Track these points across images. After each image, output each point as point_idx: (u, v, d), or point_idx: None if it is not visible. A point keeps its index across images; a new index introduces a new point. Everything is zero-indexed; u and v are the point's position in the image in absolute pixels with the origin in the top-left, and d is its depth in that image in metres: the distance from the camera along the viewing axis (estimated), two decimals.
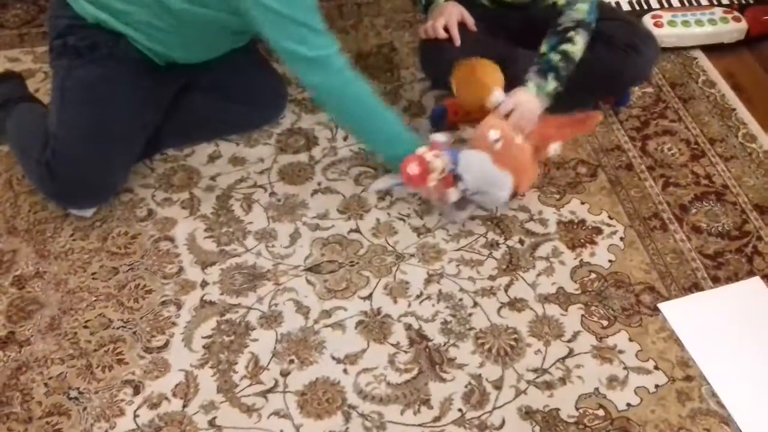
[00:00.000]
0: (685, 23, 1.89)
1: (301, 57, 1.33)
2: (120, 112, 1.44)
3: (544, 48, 1.50)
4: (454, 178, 1.40)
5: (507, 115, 1.46)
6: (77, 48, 1.43)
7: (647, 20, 1.89)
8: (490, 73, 1.50)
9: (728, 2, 1.96)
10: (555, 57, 1.48)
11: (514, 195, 1.47)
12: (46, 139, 1.42)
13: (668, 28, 1.88)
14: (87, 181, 1.43)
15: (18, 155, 1.53)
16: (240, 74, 1.61)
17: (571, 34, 1.49)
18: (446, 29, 1.60)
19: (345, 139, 1.66)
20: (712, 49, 1.91)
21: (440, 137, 1.44)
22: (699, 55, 1.90)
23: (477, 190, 1.42)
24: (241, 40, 1.55)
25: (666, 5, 1.96)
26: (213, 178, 1.57)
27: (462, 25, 1.62)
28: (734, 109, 1.76)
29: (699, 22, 1.89)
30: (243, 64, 1.61)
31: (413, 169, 1.36)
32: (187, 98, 1.60)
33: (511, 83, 1.50)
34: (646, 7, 1.95)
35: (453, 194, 1.41)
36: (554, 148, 1.50)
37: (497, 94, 1.47)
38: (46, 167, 1.41)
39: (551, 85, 1.48)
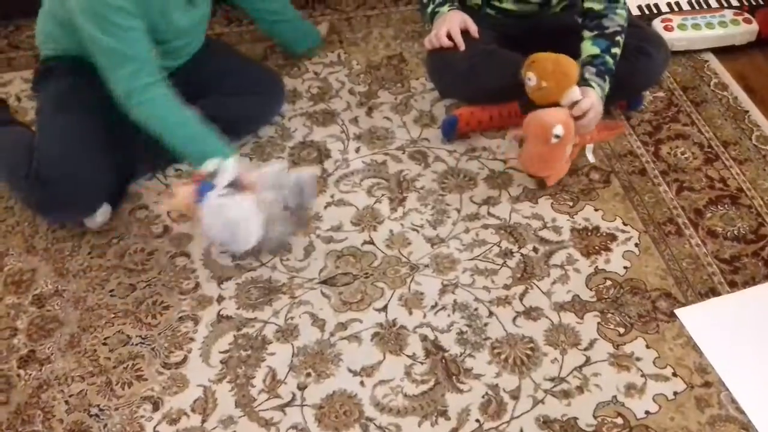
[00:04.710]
0: (696, 26, 1.88)
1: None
2: (91, 114, 1.48)
3: (593, 49, 1.50)
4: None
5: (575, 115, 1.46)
6: (43, 72, 1.56)
7: (657, 24, 1.89)
8: (573, 67, 1.47)
9: (738, 4, 1.95)
10: (610, 60, 1.50)
11: (544, 185, 1.54)
12: (32, 155, 1.46)
13: (678, 32, 1.87)
14: (71, 184, 1.42)
15: (6, 176, 1.55)
16: (230, 69, 1.65)
17: (619, 38, 1.51)
18: (450, 38, 1.61)
19: (357, 151, 1.67)
20: (723, 52, 1.90)
21: (210, 166, 1.34)
22: (710, 57, 1.90)
23: (215, 237, 1.39)
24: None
25: (676, 9, 1.95)
26: None
27: (466, 33, 1.62)
28: (747, 112, 1.75)
29: (709, 25, 1.88)
30: (229, 62, 1.66)
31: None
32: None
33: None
34: (655, 11, 1.94)
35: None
36: (589, 150, 1.55)
37: (576, 91, 1.45)
38: (35, 177, 1.43)
39: (607, 87, 1.50)
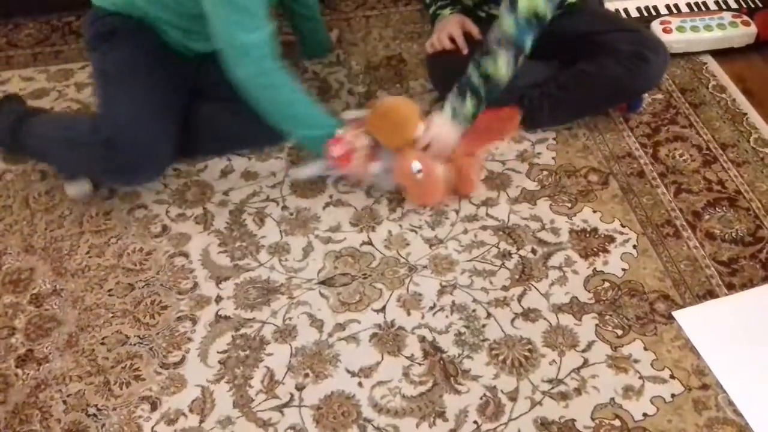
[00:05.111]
0: (694, 28, 1.89)
1: (232, 43, 1.39)
2: (156, 79, 1.52)
3: (470, 66, 1.44)
4: (374, 151, 1.48)
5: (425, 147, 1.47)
6: (101, 34, 1.55)
7: (656, 26, 1.89)
8: (404, 112, 1.50)
9: (737, 6, 1.95)
10: (475, 79, 1.43)
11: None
12: (94, 125, 1.49)
13: (677, 34, 1.87)
14: (145, 150, 1.46)
15: (57, 152, 1.57)
16: None
17: (494, 50, 1.40)
18: (452, 40, 1.61)
19: None
20: (721, 54, 1.90)
21: (353, 114, 1.48)
22: (709, 60, 1.90)
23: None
24: None
25: (675, 11, 1.95)
26: (226, 193, 1.59)
27: (467, 35, 1.63)
28: (745, 114, 1.75)
29: (708, 27, 1.89)
30: None
31: (337, 151, 1.42)
32: (202, 108, 1.62)
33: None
34: (654, 13, 1.95)
35: (376, 167, 1.47)
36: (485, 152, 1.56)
37: (419, 128, 1.47)
38: (105, 145, 1.44)
39: (469, 106, 1.45)
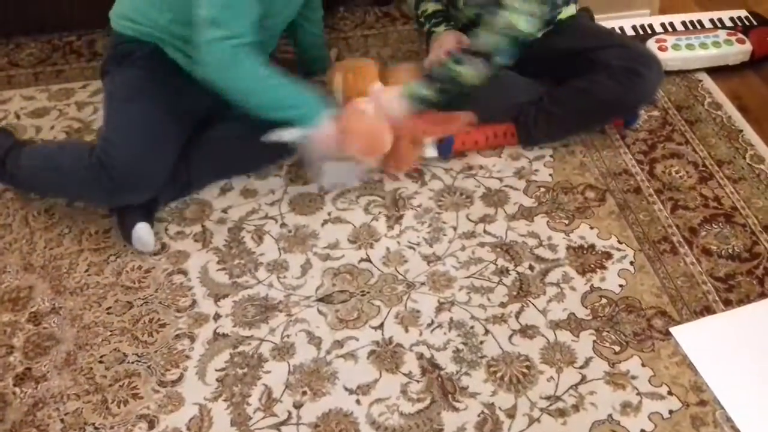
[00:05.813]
0: (690, 46, 1.90)
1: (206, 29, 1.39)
2: (159, 102, 1.51)
3: (450, 59, 1.49)
4: None
5: None
6: (116, 57, 1.58)
7: (651, 44, 1.91)
8: (362, 65, 1.66)
9: (732, 24, 1.97)
10: (443, 73, 1.49)
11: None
12: (89, 148, 1.50)
13: (673, 52, 1.89)
14: (139, 170, 1.45)
15: (47, 179, 1.56)
16: None
17: (467, 59, 1.47)
18: None
19: None
20: (717, 72, 1.92)
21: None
22: (704, 77, 1.92)
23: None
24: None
25: (670, 29, 1.97)
26: (225, 211, 1.59)
27: None
28: (741, 131, 1.76)
29: (703, 45, 1.91)
30: None
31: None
32: (215, 131, 1.63)
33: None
34: (650, 31, 1.96)
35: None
36: (427, 146, 1.62)
37: (374, 85, 1.57)
38: (98, 166, 1.44)
39: (425, 92, 1.50)
